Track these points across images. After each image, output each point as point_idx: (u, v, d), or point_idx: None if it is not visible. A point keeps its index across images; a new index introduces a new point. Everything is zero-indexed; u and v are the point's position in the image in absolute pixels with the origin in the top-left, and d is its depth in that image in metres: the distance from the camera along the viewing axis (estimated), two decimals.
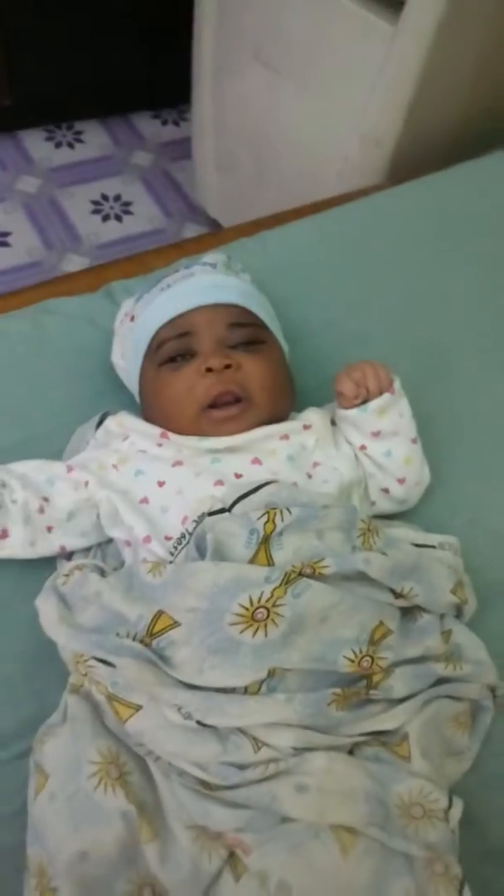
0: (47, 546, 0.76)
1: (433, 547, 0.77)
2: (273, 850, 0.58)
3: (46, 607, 0.68)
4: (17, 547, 0.75)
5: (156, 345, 0.81)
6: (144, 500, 0.73)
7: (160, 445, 0.77)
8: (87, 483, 0.76)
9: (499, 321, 1.01)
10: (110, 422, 0.81)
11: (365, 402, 0.79)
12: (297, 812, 0.59)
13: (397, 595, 0.70)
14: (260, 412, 0.78)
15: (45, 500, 0.75)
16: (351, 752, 0.65)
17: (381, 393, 0.79)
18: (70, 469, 0.77)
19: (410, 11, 1.14)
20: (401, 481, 0.81)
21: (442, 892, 0.58)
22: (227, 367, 0.77)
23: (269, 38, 1.39)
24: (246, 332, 0.81)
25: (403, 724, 0.66)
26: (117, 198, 1.97)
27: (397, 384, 0.80)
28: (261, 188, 1.65)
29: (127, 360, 0.86)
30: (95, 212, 1.93)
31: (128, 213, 1.94)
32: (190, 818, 0.60)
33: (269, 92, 1.46)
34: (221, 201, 1.82)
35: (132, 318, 0.86)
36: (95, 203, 1.94)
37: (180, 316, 0.80)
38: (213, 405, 0.77)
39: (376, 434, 0.80)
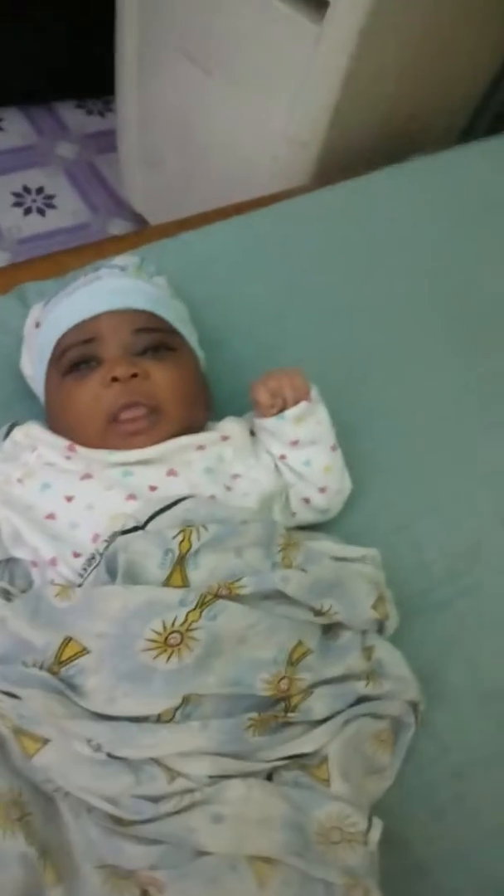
0: None
1: (355, 560, 0.76)
2: (188, 885, 0.56)
3: None
4: None
5: (59, 352, 0.77)
6: (51, 517, 0.69)
7: (68, 458, 0.73)
8: None
9: (417, 330, 1.01)
10: (17, 432, 0.77)
11: (282, 410, 0.77)
12: (213, 844, 0.57)
13: (317, 613, 0.68)
14: (171, 423, 0.74)
15: None
16: (269, 777, 0.63)
17: (298, 401, 0.77)
18: None
19: (335, 11, 1.13)
20: (322, 490, 0.80)
21: None
22: (134, 375, 0.73)
23: (196, 34, 1.35)
24: (153, 337, 0.77)
25: (323, 746, 0.64)
26: (40, 190, 1.90)
27: (314, 392, 0.79)
28: (189, 185, 1.61)
29: (34, 366, 0.82)
30: (17, 204, 1.86)
31: (51, 206, 1.88)
32: (100, 857, 0.57)
33: (196, 89, 1.42)
34: (148, 197, 1.78)
35: (37, 325, 0.82)
36: (17, 195, 1.87)
37: (84, 322, 0.76)
38: (117, 418, 0.73)
39: (294, 443, 0.78)
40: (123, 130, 1.70)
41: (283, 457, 0.79)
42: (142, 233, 1.08)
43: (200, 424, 0.79)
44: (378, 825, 0.62)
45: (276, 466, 0.79)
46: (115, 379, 0.73)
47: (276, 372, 0.78)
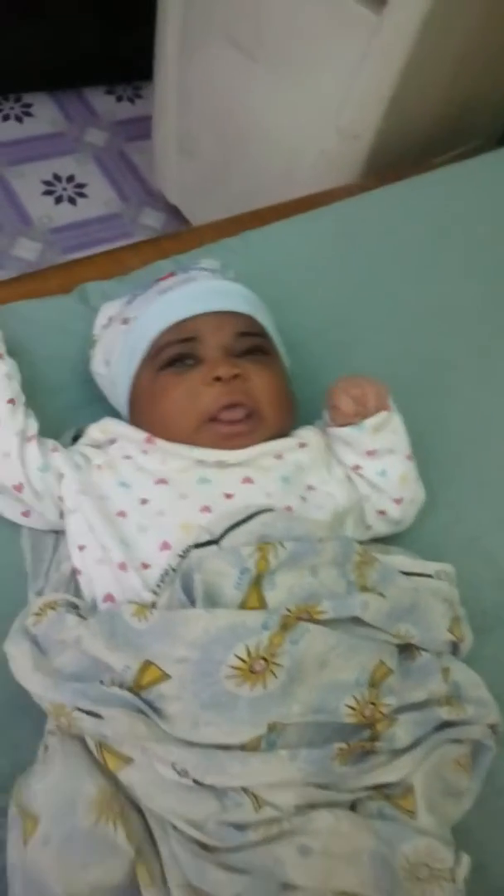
0: (12, 471, 0.71)
1: (429, 576, 0.74)
2: None
3: (18, 653, 0.62)
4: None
5: (156, 350, 0.75)
6: (122, 514, 0.68)
7: (145, 452, 0.72)
8: (62, 475, 0.72)
9: (497, 333, 0.98)
10: (93, 428, 0.76)
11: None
12: (301, 878, 0.55)
13: (392, 635, 0.66)
14: (267, 429, 0.73)
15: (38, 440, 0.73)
16: (353, 806, 0.61)
17: (379, 410, 0.75)
18: (55, 450, 0.74)
19: (396, 2, 1.09)
20: (397, 501, 0.78)
21: None
22: (236, 376, 0.72)
23: (243, 19, 1.31)
24: (253, 341, 0.76)
25: (407, 775, 0.62)
26: (70, 178, 1.86)
27: (390, 400, 0.76)
28: (226, 177, 1.58)
29: (116, 366, 0.79)
30: (47, 193, 1.82)
31: (82, 195, 1.84)
32: (184, 877, 0.55)
33: (241, 76, 1.39)
34: (182, 188, 1.74)
35: (125, 321, 0.79)
36: (47, 183, 1.83)
37: (184, 321, 0.74)
38: (217, 418, 0.71)
39: (371, 453, 0.76)
40: (160, 117, 1.66)
41: (357, 468, 0.77)
42: (197, 230, 1.05)
43: (287, 431, 0.77)
44: (466, 861, 0.60)
45: (349, 479, 0.76)
46: (217, 378, 0.71)
47: (358, 379, 0.75)
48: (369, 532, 0.78)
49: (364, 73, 1.19)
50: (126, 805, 0.58)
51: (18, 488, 0.71)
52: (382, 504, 0.77)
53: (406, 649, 0.68)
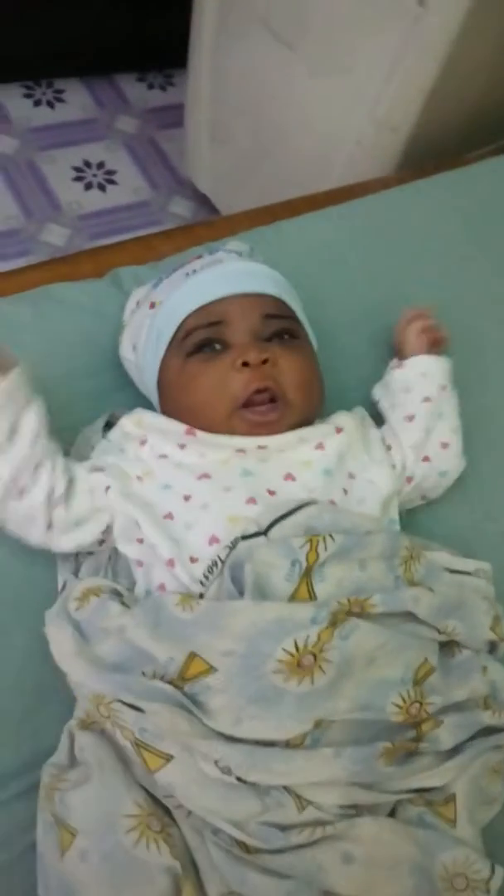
0: (38, 535, 0.68)
1: (469, 573, 0.73)
2: None
3: (60, 637, 0.62)
4: (16, 518, 0.67)
5: (183, 334, 0.74)
6: (169, 516, 0.66)
7: (182, 447, 0.70)
8: (107, 488, 0.68)
9: None
10: (126, 422, 0.74)
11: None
12: (343, 887, 0.54)
13: (440, 631, 0.65)
14: (295, 414, 0.72)
15: (68, 496, 0.68)
16: (393, 811, 0.61)
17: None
18: (92, 469, 0.70)
19: None
20: (444, 446, 0.79)
21: None
22: (265, 361, 0.70)
23: (282, 7, 1.30)
24: (282, 324, 0.75)
25: (450, 782, 0.61)
26: (101, 165, 1.85)
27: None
28: (258, 167, 1.56)
29: (143, 351, 0.78)
30: (77, 179, 1.81)
31: (111, 182, 1.83)
32: (224, 884, 0.55)
33: (277, 65, 1.37)
34: (213, 177, 1.73)
35: (152, 305, 0.78)
36: (77, 170, 1.83)
37: (211, 303, 0.73)
38: (247, 404, 0.70)
39: (426, 399, 0.79)
40: (193, 105, 1.64)
41: (411, 417, 0.78)
42: (230, 218, 1.03)
43: (315, 417, 0.76)
44: (500, 873, 0.59)
45: (388, 454, 0.76)
46: (245, 364, 0.70)
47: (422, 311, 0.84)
48: (414, 487, 0.78)
49: (404, 64, 1.17)
50: (166, 821, 0.57)
51: (45, 547, 0.69)
52: (429, 449, 0.78)
53: (446, 646, 0.68)
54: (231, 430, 0.71)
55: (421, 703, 0.60)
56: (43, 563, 0.71)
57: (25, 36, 1.80)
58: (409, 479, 0.77)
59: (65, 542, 0.68)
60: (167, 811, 0.58)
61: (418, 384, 0.81)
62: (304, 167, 1.43)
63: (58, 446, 0.69)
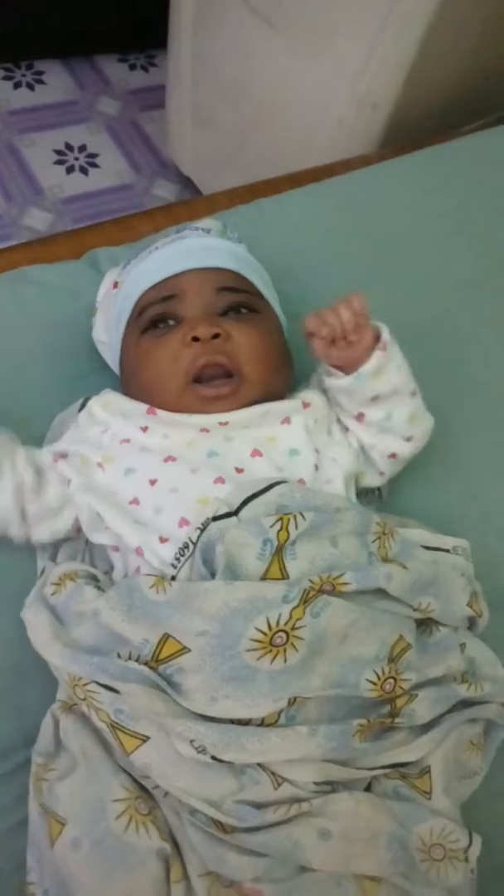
0: (16, 529, 0.68)
1: (447, 551, 0.73)
2: None
3: (37, 622, 0.62)
4: None
5: (138, 310, 0.73)
6: (135, 502, 0.66)
7: (145, 429, 0.70)
8: (69, 482, 0.68)
9: None
10: (94, 404, 0.73)
11: (334, 343, 0.70)
12: (320, 862, 0.54)
13: (414, 609, 0.65)
14: (253, 389, 0.70)
15: (38, 486, 0.68)
16: (369, 785, 0.61)
17: (357, 324, 0.69)
18: (56, 459, 0.70)
19: None
20: (408, 439, 0.74)
21: None
22: (216, 336, 0.69)
23: None
24: (237, 297, 0.73)
25: (426, 755, 0.62)
26: (82, 148, 1.83)
27: (386, 333, 0.71)
28: (241, 147, 1.55)
29: (109, 332, 0.77)
30: (59, 162, 1.79)
31: (93, 165, 1.81)
32: (202, 864, 0.55)
33: (258, 43, 1.35)
34: (196, 158, 1.71)
35: (115, 286, 0.77)
36: (59, 153, 1.81)
37: (166, 279, 0.72)
38: (199, 379, 0.69)
39: (374, 399, 0.72)
40: (174, 86, 1.62)
41: (360, 416, 0.73)
42: (210, 198, 1.02)
43: (281, 392, 0.74)
44: (478, 841, 0.60)
45: (347, 437, 0.74)
46: (195, 339, 0.69)
47: (324, 310, 0.70)
48: (383, 478, 0.76)
49: (384, 39, 1.16)
50: (150, 802, 0.57)
51: (26, 538, 0.69)
52: (393, 447, 0.74)
53: (423, 624, 0.68)
54: (185, 408, 0.70)
55: (395, 679, 0.60)
56: (23, 549, 0.71)
57: (4, 17, 1.78)
58: (393, 455, 0.75)
59: (42, 533, 0.69)
60: (150, 793, 0.58)
61: (356, 393, 0.72)
62: (287, 148, 1.41)
63: (10, 439, 0.69)
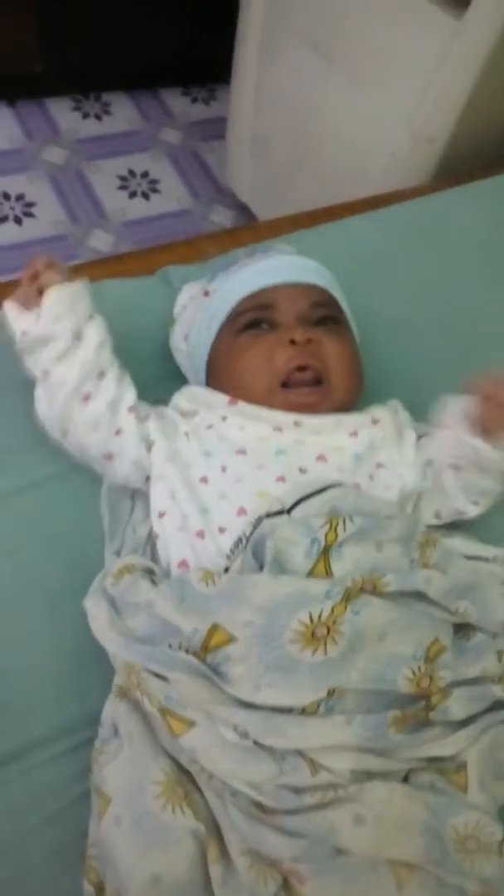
0: (102, 441, 0.74)
1: (487, 560, 0.75)
2: (329, 882, 0.57)
3: (97, 611, 0.67)
4: (83, 422, 0.74)
5: (235, 314, 0.79)
6: (204, 480, 0.71)
7: (224, 419, 0.75)
8: (152, 445, 0.74)
9: None
10: (179, 397, 0.79)
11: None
12: (355, 846, 0.57)
13: (452, 613, 0.68)
14: (337, 398, 0.76)
15: (136, 409, 0.75)
16: (406, 778, 0.63)
17: None
18: (148, 417, 0.76)
19: (478, 7, 1.11)
20: (476, 504, 0.77)
21: None
22: (310, 341, 0.75)
23: (322, 22, 1.35)
24: (327, 312, 0.80)
25: (461, 751, 0.64)
26: (145, 174, 1.92)
27: None
28: (296, 177, 1.61)
29: (195, 337, 0.83)
30: (122, 187, 1.88)
31: (155, 191, 1.90)
32: (244, 842, 0.58)
33: (316, 78, 1.42)
34: (253, 186, 1.78)
35: (206, 294, 0.83)
36: (122, 178, 1.90)
37: (262, 290, 0.78)
38: (290, 383, 0.75)
39: (483, 469, 0.74)
40: (236, 118, 1.70)
41: (459, 469, 0.75)
42: (272, 223, 1.08)
43: (355, 404, 0.79)
44: None
45: (425, 470, 0.77)
46: (292, 341, 0.75)
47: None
48: (437, 521, 0.78)
49: (441, 77, 1.21)
50: (189, 787, 0.61)
51: (108, 457, 0.74)
52: (463, 507, 0.76)
53: (461, 629, 0.70)
54: (269, 406, 0.75)
55: (431, 677, 0.63)
56: (94, 541, 0.76)
57: (75, 51, 1.88)
58: (461, 513, 0.77)
59: (130, 452, 0.74)
60: (191, 778, 0.61)
61: (483, 459, 0.73)
62: (340, 178, 1.47)
63: (124, 370, 0.76)
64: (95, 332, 0.74)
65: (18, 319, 0.74)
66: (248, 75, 1.59)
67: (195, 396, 0.79)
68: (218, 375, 0.80)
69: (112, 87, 2.06)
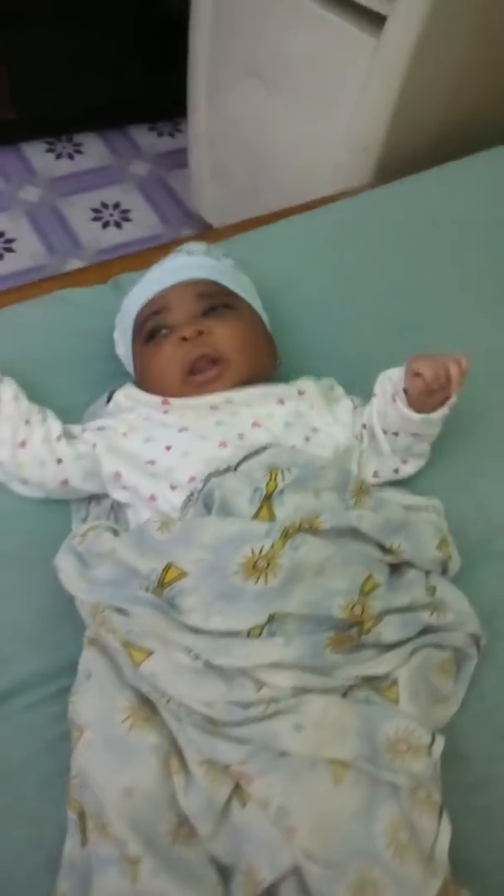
0: (52, 473, 0.82)
1: (420, 508, 0.84)
2: (273, 780, 0.64)
3: (65, 564, 0.75)
4: (29, 463, 0.82)
5: (139, 324, 0.90)
6: (151, 462, 0.80)
7: (166, 412, 0.84)
8: (94, 445, 0.83)
9: (467, 302, 1.10)
10: (119, 394, 0.89)
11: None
12: (295, 748, 0.64)
13: (386, 551, 0.76)
14: (237, 369, 0.85)
15: (64, 435, 0.84)
16: (344, 696, 0.70)
17: (448, 395, 0.81)
18: (83, 430, 0.85)
19: (392, 25, 1.22)
20: (405, 462, 0.88)
21: (424, 816, 0.64)
22: (199, 333, 0.85)
23: (261, 54, 1.47)
24: (214, 300, 0.89)
25: (393, 670, 0.71)
26: (116, 205, 2.04)
27: (455, 397, 0.82)
28: (255, 195, 1.72)
29: (122, 344, 0.94)
30: (96, 219, 2.00)
31: (127, 219, 2.02)
32: (199, 754, 0.66)
33: (261, 104, 1.54)
34: (216, 207, 1.90)
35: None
36: (96, 210, 2.02)
37: (154, 296, 0.89)
38: (193, 371, 0.84)
39: (415, 434, 0.85)
40: (194, 147, 1.83)
41: (396, 434, 0.85)
42: (218, 230, 1.20)
43: (266, 373, 0.89)
44: (440, 740, 0.68)
45: (362, 433, 0.87)
46: (183, 339, 0.84)
47: (449, 359, 0.79)
48: (374, 480, 0.88)
49: (369, 91, 1.32)
50: (150, 712, 0.69)
51: (64, 483, 0.83)
52: (397, 465, 0.88)
53: (396, 569, 0.78)
54: (184, 395, 0.84)
55: (363, 607, 0.71)
56: (60, 513, 0.86)
57: (46, 98, 2.02)
58: (395, 471, 0.88)
59: (76, 474, 0.82)
60: (151, 705, 0.69)
61: (411, 426, 0.84)
62: (292, 192, 1.56)
63: (43, 409, 0.85)
64: (8, 390, 0.84)
65: None
66: (202, 107, 1.72)
67: (133, 395, 0.88)
68: (143, 381, 0.90)
69: (82, 129, 2.19)
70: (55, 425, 0.84)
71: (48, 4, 1.84)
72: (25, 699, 0.75)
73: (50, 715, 0.74)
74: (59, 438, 0.83)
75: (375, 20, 1.24)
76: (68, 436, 0.84)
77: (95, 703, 0.69)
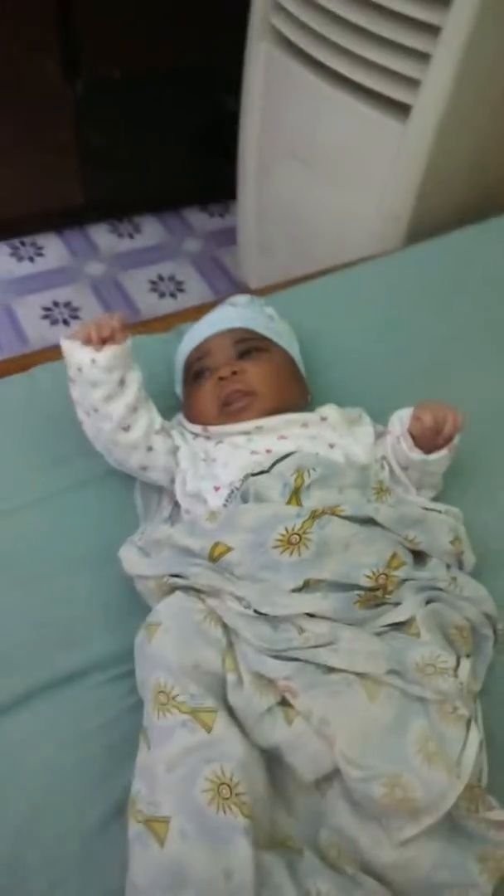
0: (139, 458, 0.97)
1: (438, 512, 0.94)
2: (315, 694, 0.73)
3: (128, 554, 0.89)
4: (123, 445, 0.96)
5: (187, 367, 1.06)
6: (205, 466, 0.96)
7: (208, 438, 0.99)
8: (178, 448, 0.98)
9: (486, 352, 1.23)
10: (179, 416, 1.06)
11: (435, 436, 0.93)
12: (333, 662, 0.75)
13: (403, 538, 0.86)
14: (265, 400, 0.99)
15: (163, 430, 0.99)
16: None
17: (451, 436, 0.93)
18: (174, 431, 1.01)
19: (416, 113, 1.41)
20: (424, 490, 1.00)
21: (451, 727, 0.72)
22: (234, 373, 1.00)
23: (302, 139, 1.67)
24: (248, 344, 1.04)
25: (412, 615, 0.82)
26: (171, 277, 2.26)
27: (457, 440, 0.95)
28: (295, 264, 1.89)
29: (179, 385, 1.11)
30: (153, 290, 2.21)
31: (181, 290, 2.22)
32: (249, 667, 0.76)
33: (302, 183, 1.73)
34: (262, 278, 2.08)
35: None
36: (153, 282, 2.23)
37: (199, 343, 1.06)
38: (227, 402, 0.99)
39: (426, 472, 0.97)
40: (243, 224, 2.03)
41: (405, 468, 0.97)
42: (262, 289, 1.36)
43: (295, 404, 1.02)
44: (465, 662, 0.78)
45: (383, 463, 0.99)
46: (221, 378, 1.00)
47: (441, 406, 0.94)
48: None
49: (398, 168, 1.50)
50: (217, 620, 0.80)
51: (143, 468, 0.98)
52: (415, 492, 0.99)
53: (418, 556, 0.88)
54: (222, 424, 0.98)
55: (387, 576, 0.82)
56: (121, 525, 0.98)
57: (110, 185, 2.27)
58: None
59: (159, 462, 0.97)
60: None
61: (417, 465, 0.96)
62: (330, 260, 1.74)
63: (149, 400, 0.99)
64: (135, 379, 0.96)
65: (76, 353, 0.93)
66: (250, 188, 1.92)
67: (184, 423, 1.04)
68: (189, 415, 1.05)
69: (141, 211, 2.44)
70: (157, 418, 0.98)
71: (116, 112, 2.09)
72: (99, 677, 0.86)
73: (119, 691, 0.85)
74: (157, 432, 0.97)
75: (401, 108, 1.43)
76: (165, 432, 0.99)
77: (174, 603, 0.81)
